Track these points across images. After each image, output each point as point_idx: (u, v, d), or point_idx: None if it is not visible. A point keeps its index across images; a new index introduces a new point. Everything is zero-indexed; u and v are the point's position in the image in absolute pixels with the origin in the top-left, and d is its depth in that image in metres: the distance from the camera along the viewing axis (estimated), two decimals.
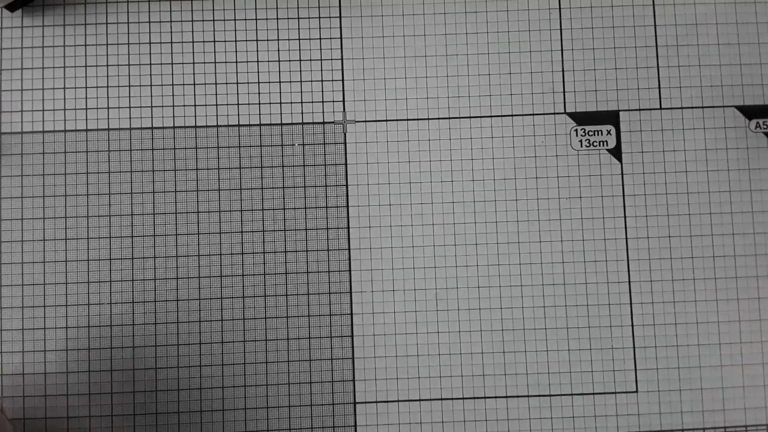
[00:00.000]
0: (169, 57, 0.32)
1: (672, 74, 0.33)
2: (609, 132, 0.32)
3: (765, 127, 0.32)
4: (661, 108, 0.32)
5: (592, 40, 0.33)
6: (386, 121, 0.32)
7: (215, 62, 0.32)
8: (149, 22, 0.33)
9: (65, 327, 0.31)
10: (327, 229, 0.32)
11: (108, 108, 0.32)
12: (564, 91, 0.33)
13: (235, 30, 0.33)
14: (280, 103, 0.32)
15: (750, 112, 0.32)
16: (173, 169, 0.32)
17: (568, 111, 0.32)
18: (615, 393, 0.31)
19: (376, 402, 0.31)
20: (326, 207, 0.32)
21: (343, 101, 0.32)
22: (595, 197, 0.32)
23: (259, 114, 0.32)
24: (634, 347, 0.31)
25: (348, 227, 0.32)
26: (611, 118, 0.32)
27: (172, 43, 0.33)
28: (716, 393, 0.31)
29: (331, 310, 0.31)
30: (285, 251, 0.32)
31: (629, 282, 0.32)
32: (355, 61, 0.33)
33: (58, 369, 0.31)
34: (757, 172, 0.32)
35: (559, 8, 0.33)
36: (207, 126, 0.32)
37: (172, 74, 0.32)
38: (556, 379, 0.31)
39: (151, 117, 0.32)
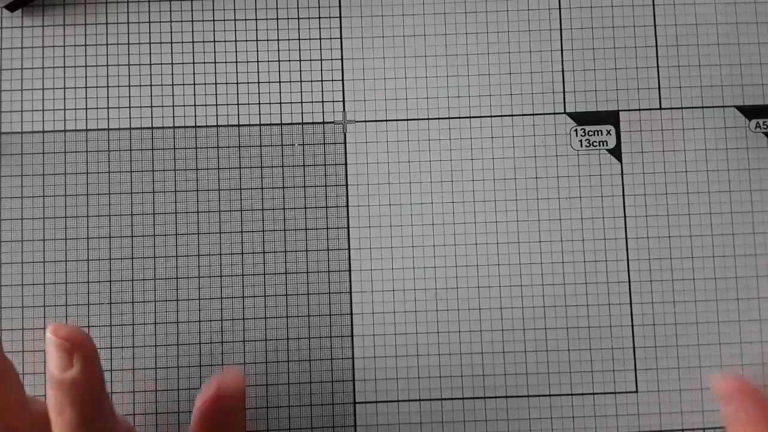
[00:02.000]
0: (169, 57, 0.32)
1: (672, 74, 0.33)
2: (609, 132, 0.32)
3: (765, 127, 0.32)
4: (661, 108, 0.32)
5: (592, 40, 0.33)
6: (386, 121, 0.32)
7: (215, 62, 0.32)
8: (149, 22, 0.33)
9: None
10: (327, 229, 0.32)
11: (108, 108, 0.32)
12: (564, 91, 0.33)
13: (235, 30, 0.33)
14: (280, 103, 0.32)
15: (750, 112, 0.32)
16: (173, 169, 0.32)
17: (568, 111, 0.32)
18: (615, 393, 0.31)
19: (376, 402, 0.31)
20: (326, 207, 0.32)
21: (343, 101, 0.32)
22: (595, 197, 0.32)
23: (259, 114, 0.32)
24: (634, 347, 0.31)
25: (348, 227, 0.32)
26: (611, 118, 0.32)
27: (172, 43, 0.33)
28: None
29: (331, 310, 0.31)
30: (285, 251, 0.32)
31: (629, 282, 0.32)
32: (355, 61, 0.33)
33: None
34: (757, 172, 0.32)
35: (559, 8, 0.33)
36: (207, 126, 0.32)
37: (172, 74, 0.32)
38: (556, 379, 0.31)
39: (151, 117, 0.32)
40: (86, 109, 0.32)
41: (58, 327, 0.23)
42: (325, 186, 0.32)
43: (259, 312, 0.31)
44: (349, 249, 0.32)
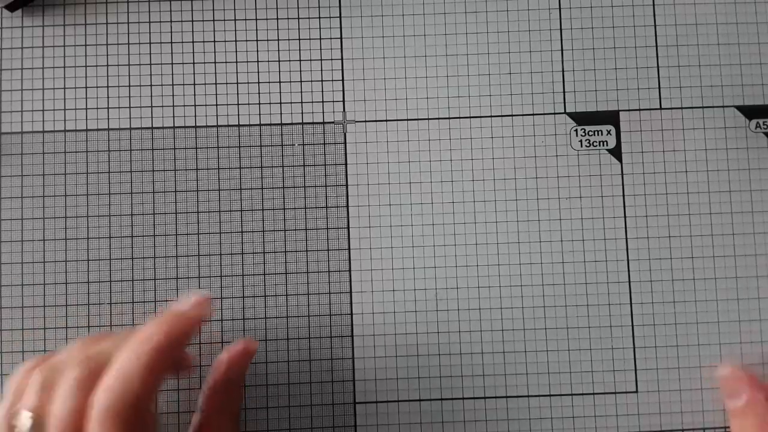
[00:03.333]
0: (169, 57, 0.32)
1: (672, 74, 0.33)
2: (609, 132, 0.32)
3: (765, 127, 0.32)
4: (661, 108, 0.32)
5: (592, 40, 0.33)
6: (386, 121, 0.32)
7: (215, 62, 0.32)
8: (149, 22, 0.33)
9: (65, 327, 0.31)
10: (327, 229, 0.32)
11: (108, 108, 0.32)
12: (564, 91, 0.33)
13: (235, 30, 0.33)
14: (280, 103, 0.32)
15: (750, 112, 0.32)
16: (173, 169, 0.32)
17: (568, 111, 0.32)
18: (615, 393, 0.31)
19: (376, 402, 0.31)
20: (326, 207, 0.32)
21: (343, 101, 0.32)
22: (595, 197, 0.32)
23: (259, 114, 0.32)
24: (634, 347, 0.31)
25: (348, 227, 0.32)
26: (611, 118, 0.32)
27: (172, 43, 0.33)
28: (716, 393, 0.31)
29: (331, 310, 0.31)
30: (285, 251, 0.32)
31: (629, 282, 0.32)
32: (355, 61, 0.33)
33: None
34: (757, 172, 0.32)
35: (559, 8, 0.33)
36: (207, 126, 0.32)
37: (172, 74, 0.32)
38: (556, 379, 0.31)
39: (151, 117, 0.32)
40: (86, 109, 0.32)
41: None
42: (325, 186, 0.32)
43: (259, 312, 0.31)
44: (349, 249, 0.32)
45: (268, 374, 0.31)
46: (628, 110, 0.32)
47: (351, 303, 0.31)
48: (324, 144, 0.32)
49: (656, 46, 0.33)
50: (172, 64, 0.32)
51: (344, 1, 0.33)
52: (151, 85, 0.32)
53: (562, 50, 0.33)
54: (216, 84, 0.32)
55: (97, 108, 0.32)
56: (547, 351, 0.31)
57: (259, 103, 0.32)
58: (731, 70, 0.33)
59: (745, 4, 0.33)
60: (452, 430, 0.31)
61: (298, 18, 0.33)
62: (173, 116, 0.32)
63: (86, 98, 0.32)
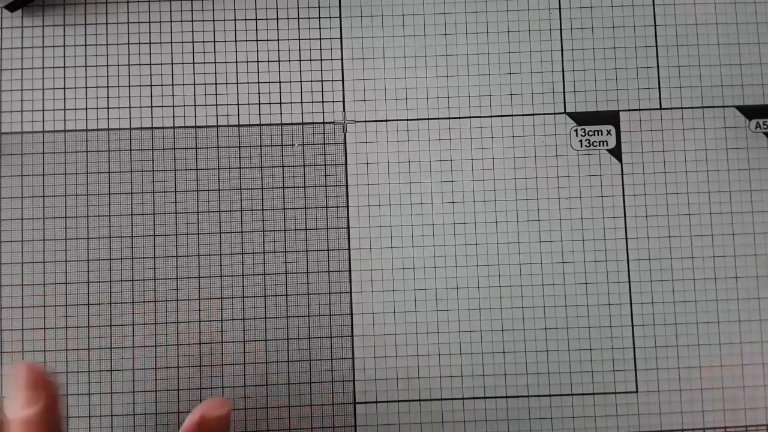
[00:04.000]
0: (169, 57, 0.32)
1: (672, 74, 0.33)
2: (609, 132, 0.32)
3: (765, 127, 0.32)
4: (661, 108, 0.32)
5: (592, 40, 0.33)
6: (386, 121, 0.32)
7: (215, 62, 0.32)
8: (149, 22, 0.33)
9: (65, 327, 0.31)
10: (327, 229, 0.32)
11: (108, 108, 0.32)
12: (564, 91, 0.33)
13: (235, 30, 0.33)
14: (280, 103, 0.32)
15: (750, 112, 0.32)
16: (173, 169, 0.32)
17: (568, 111, 0.32)
18: (615, 393, 0.31)
19: (376, 402, 0.31)
20: (326, 207, 0.32)
21: (343, 101, 0.32)
22: (595, 197, 0.32)
23: (259, 114, 0.32)
24: (634, 347, 0.31)
25: (348, 227, 0.32)
26: (611, 118, 0.32)
27: (172, 43, 0.33)
28: (716, 393, 0.31)
29: (331, 310, 0.31)
30: (285, 251, 0.32)
31: (629, 282, 0.32)
32: (355, 61, 0.33)
33: (58, 369, 0.31)
34: (757, 172, 0.32)
35: (559, 8, 0.33)
36: (207, 126, 0.32)
37: (172, 74, 0.32)
38: (556, 379, 0.31)
39: (151, 117, 0.32)
40: (86, 109, 0.32)
41: (23, 366, 0.24)
42: (325, 186, 0.32)
43: (259, 312, 0.31)
44: (349, 249, 0.32)
45: (268, 374, 0.31)
46: (628, 110, 0.32)
47: (351, 303, 0.31)
48: (324, 144, 0.32)
49: (656, 46, 0.33)
50: (172, 64, 0.32)
51: (344, 1, 0.33)
52: (151, 85, 0.32)
53: (562, 50, 0.33)
54: (216, 84, 0.32)
55: (97, 108, 0.32)
56: (547, 351, 0.31)
57: (259, 103, 0.32)
58: (731, 70, 0.33)
59: (745, 4, 0.33)
60: (452, 430, 0.31)
61: (298, 18, 0.33)
62: (173, 116, 0.32)
63: (86, 98, 0.32)
